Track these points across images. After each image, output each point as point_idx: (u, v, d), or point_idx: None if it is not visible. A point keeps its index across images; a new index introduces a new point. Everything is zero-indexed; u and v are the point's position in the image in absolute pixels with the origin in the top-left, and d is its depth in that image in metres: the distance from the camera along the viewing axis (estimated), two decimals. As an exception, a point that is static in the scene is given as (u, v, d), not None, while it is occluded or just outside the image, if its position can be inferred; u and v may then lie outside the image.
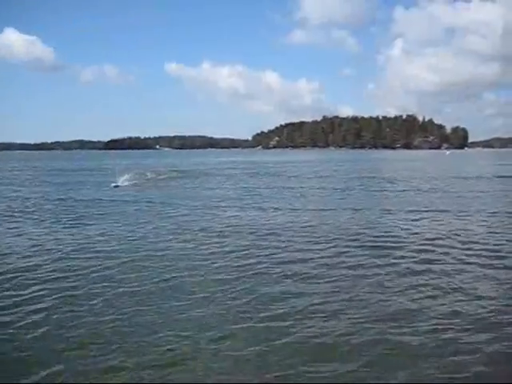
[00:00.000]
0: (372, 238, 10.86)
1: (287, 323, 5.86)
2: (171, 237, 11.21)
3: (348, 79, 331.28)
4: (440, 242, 10.51)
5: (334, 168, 47.90)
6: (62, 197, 20.96)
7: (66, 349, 5.21)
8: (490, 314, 6.11)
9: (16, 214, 15.60)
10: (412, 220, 13.71)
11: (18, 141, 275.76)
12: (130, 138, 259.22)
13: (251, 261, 8.81)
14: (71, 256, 9.34)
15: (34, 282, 7.62)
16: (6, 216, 15.30)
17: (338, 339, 5.41)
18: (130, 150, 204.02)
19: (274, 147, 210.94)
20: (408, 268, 8.29)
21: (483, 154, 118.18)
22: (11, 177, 38.34)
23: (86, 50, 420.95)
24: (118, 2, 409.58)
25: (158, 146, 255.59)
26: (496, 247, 9.91)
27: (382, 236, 11.16)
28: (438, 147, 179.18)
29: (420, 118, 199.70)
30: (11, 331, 5.67)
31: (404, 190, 22.76)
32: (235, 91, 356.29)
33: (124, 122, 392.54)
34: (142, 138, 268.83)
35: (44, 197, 21.22)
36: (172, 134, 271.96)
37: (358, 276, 7.82)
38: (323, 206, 17.25)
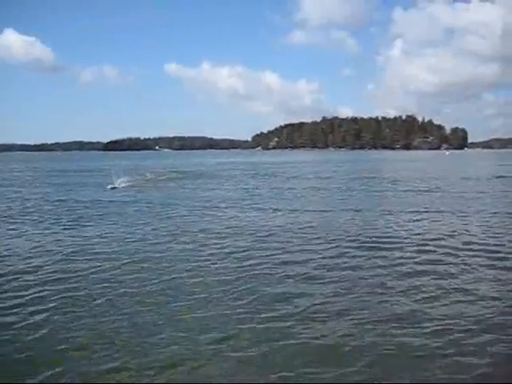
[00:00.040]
0: (373, 239, 10.85)
1: (289, 324, 5.85)
2: (172, 238, 11.20)
3: (347, 80, 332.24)
4: (441, 242, 10.50)
5: (334, 169, 47.92)
6: (61, 198, 20.98)
7: (67, 349, 5.20)
8: (492, 315, 6.10)
9: (16, 215, 15.62)
10: (412, 221, 13.70)
11: (19, 142, 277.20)
12: (130, 139, 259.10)
13: (252, 262, 8.80)
14: (71, 257, 9.33)
15: (35, 283, 7.61)
16: (6, 217, 15.31)
17: (340, 340, 5.40)
18: (130, 151, 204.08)
19: (274, 148, 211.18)
20: (409, 269, 8.29)
21: (483, 155, 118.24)
22: (12, 178, 38.42)
23: (86, 50, 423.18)
24: (118, 3, 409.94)
25: (157, 147, 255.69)
26: (497, 248, 9.91)
27: (383, 237, 11.15)
28: (438, 148, 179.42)
29: (419, 119, 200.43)
30: (13, 332, 5.67)
31: (404, 191, 22.75)
32: (235, 92, 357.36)
33: (123, 123, 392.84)
34: (142, 138, 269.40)
35: (44, 198, 21.26)
36: (172, 135, 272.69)
37: (359, 277, 7.81)
38: (323, 206, 17.24)
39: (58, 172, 46.55)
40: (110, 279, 7.74)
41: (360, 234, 11.45)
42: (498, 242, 10.45)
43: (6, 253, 9.87)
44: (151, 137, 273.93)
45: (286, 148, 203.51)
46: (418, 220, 13.79)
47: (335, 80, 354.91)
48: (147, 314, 6.19)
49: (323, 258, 9.12)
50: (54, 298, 6.85)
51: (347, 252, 9.58)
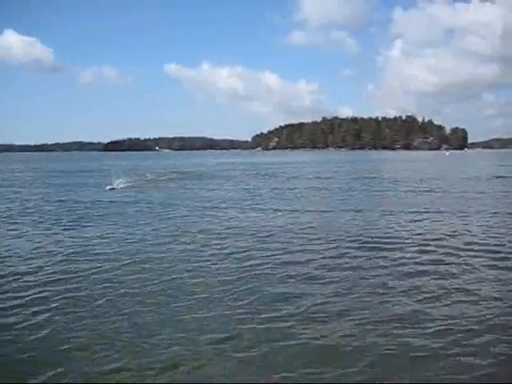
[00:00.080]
0: (373, 239, 10.86)
1: (290, 324, 5.85)
2: (172, 238, 11.20)
3: (347, 80, 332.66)
4: (441, 242, 10.50)
5: (334, 169, 47.93)
6: (61, 198, 20.98)
7: (69, 350, 5.20)
8: (493, 316, 6.10)
9: (17, 216, 15.62)
10: (413, 221, 13.70)
11: (19, 142, 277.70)
12: (130, 140, 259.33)
13: (252, 262, 8.80)
14: (72, 258, 9.33)
15: (36, 283, 7.61)
16: (6, 217, 15.31)
17: (341, 340, 5.40)
18: (130, 152, 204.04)
19: (274, 148, 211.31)
20: (410, 269, 8.29)
21: (483, 155, 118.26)
22: (12, 178, 38.41)
23: (85, 50, 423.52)
24: (118, 3, 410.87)
25: (157, 148, 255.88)
26: (497, 248, 9.91)
27: (384, 237, 11.15)
28: (438, 148, 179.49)
29: (419, 119, 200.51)
30: (15, 332, 5.67)
31: (404, 191, 22.75)
32: (235, 92, 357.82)
33: (123, 124, 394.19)
34: (142, 139, 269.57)
35: (44, 198, 21.25)
36: (172, 136, 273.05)
37: (359, 277, 7.81)
38: (324, 207, 17.24)
39: (58, 172, 46.55)
40: (110, 280, 7.74)
41: (361, 235, 11.45)
42: (499, 242, 10.46)
43: (6, 253, 9.87)
44: (151, 137, 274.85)
45: (286, 148, 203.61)
46: (418, 220, 13.79)
47: (335, 80, 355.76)
48: (148, 315, 6.19)
49: (324, 258, 9.12)
50: (55, 298, 6.85)
51: (348, 252, 9.58)
